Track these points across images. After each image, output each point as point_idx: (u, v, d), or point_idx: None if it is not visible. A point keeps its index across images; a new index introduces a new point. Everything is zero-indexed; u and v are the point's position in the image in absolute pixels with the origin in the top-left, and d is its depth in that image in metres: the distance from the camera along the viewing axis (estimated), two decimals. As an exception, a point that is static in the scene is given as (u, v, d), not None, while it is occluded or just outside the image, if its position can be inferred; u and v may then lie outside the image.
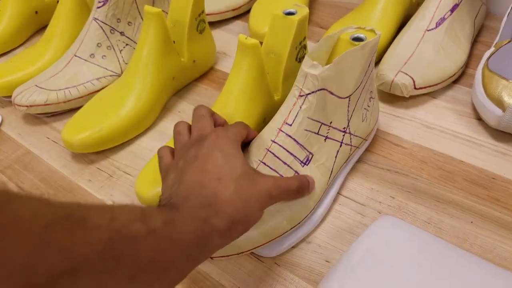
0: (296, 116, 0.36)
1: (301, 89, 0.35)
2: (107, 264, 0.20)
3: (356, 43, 0.38)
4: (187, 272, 0.26)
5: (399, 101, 0.49)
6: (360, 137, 0.41)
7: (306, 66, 0.35)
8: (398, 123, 0.47)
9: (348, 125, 0.39)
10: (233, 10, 0.68)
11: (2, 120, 0.55)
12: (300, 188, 0.34)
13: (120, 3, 0.54)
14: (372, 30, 0.39)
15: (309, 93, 0.35)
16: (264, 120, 0.43)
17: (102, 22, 0.54)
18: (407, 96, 0.47)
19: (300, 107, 0.36)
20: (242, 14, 0.69)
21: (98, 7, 0.54)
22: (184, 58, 0.53)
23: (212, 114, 0.37)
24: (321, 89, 0.35)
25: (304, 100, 0.35)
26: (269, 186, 0.30)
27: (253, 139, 0.38)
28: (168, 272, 0.24)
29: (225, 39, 0.64)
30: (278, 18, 0.42)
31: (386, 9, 0.55)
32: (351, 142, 0.40)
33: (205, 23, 0.55)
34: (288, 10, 0.43)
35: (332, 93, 0.36)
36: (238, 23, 0.68)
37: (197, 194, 0.28)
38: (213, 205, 0.27)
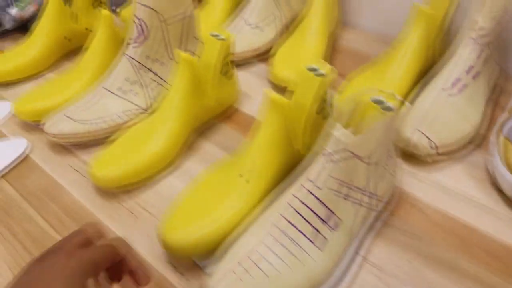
0: (319, 173, 0.38)
1: (326, 149, 0.37)
2: None
3: (378, 106, 0.40)
4: None
5: (418, 162, 0.50)
6: (380, 197, 0.42)
7: (332, 128, 0.37)
8: (417, 184, 0.48)
9: (368, 184, 0.40)
10: (253, 50, 0.70)
11: (31, 148, 0.57)
12: None
13: (150, 42, 0.56)
14: (392, 94, 0.41)
15: (332, 153, 0.37)
16: (286, 171, 0.45)
17: (132, 58, 0.57)
18: (424, 155, 0.48)
19: (324, 166, 0.37)
20: (262, 53, 0.71)
21: (129, 44, 0.57)
22: (209, 99, 0.55)
23: (97, 236, 0.32)
24: (344, 149, 0.37)
25: (328, 159, 0.37)
26: None
27: (127, 266, 0.32)
28: None
29: (246, 79, 0.65)
30: (303, 74, 0.44)
31: (404, 64, 0.57)
32: (370, 201, 0.41)
33: (230, 66, 0.57)
34: (312, 66, 0.45)
35: (354, 154, 0.38)
36: (258, 63, 0.70)
37: None
38: None
